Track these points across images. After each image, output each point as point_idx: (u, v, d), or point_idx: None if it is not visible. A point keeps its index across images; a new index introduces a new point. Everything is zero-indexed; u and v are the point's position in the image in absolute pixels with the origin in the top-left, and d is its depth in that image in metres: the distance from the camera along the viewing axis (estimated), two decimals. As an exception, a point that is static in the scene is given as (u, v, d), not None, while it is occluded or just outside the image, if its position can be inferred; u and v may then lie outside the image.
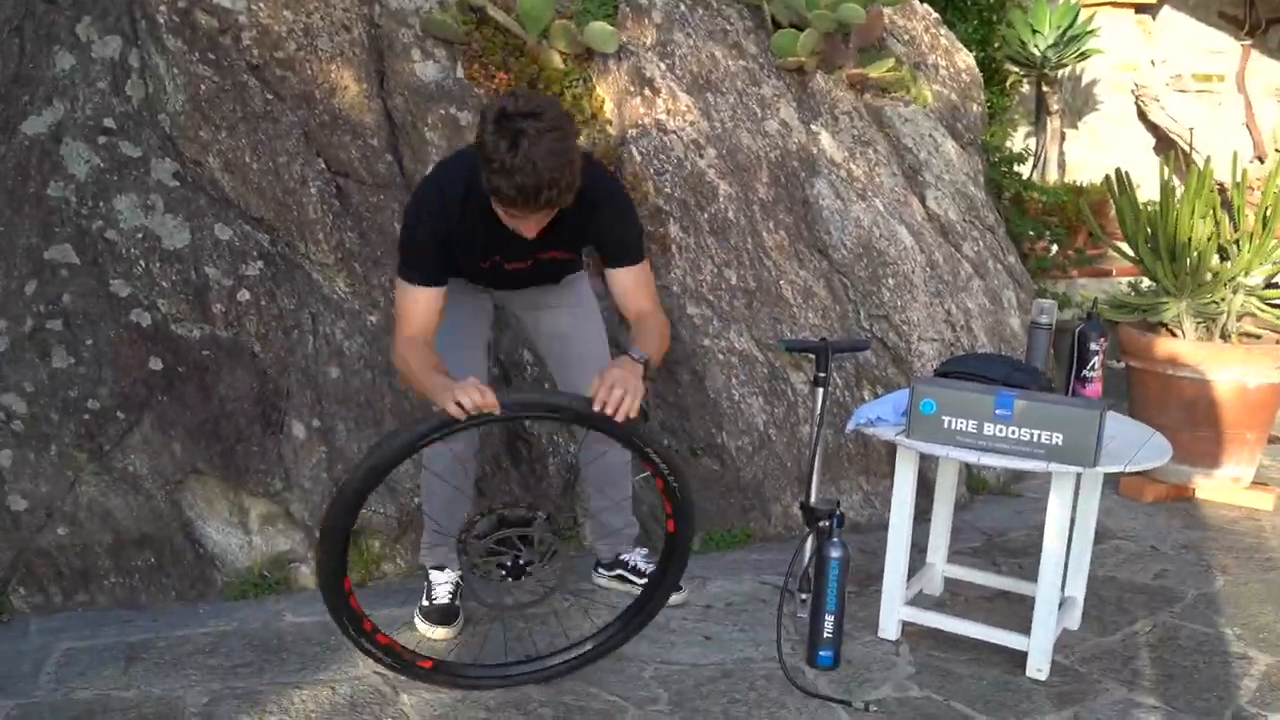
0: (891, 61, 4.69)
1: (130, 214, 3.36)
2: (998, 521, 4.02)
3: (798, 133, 4.32)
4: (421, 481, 3.10)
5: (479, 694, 2.70)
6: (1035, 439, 2.69)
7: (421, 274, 2.65)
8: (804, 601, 3.09)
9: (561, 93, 4.00)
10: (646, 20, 4.18)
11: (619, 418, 2.45)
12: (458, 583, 3.09)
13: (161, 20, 3.49)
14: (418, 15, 3.87)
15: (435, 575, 3.10)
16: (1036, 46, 6.94)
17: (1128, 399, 4.38)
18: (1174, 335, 4.24)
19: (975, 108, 5.12)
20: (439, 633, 2.99)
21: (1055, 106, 7.37)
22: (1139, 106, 8.06)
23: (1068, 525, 2.79)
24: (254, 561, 3.32)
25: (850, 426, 3.01)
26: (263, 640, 2.99)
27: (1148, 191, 4.86)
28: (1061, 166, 7.44)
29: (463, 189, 2.57)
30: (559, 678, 2.77)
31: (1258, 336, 4.26)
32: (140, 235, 3.35)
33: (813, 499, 3.09)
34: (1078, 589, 3.16)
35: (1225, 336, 4.20)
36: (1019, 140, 7.65)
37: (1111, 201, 4.54)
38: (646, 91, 4.02)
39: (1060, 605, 2.91)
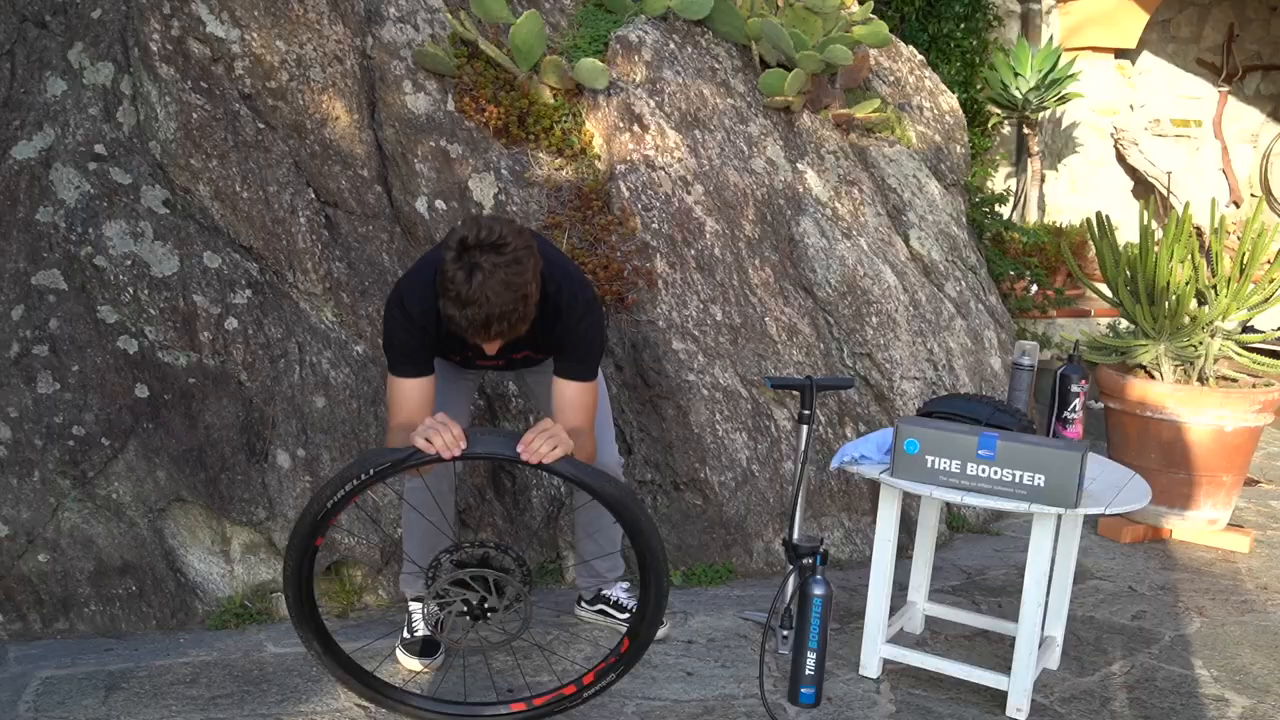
0: (877, 102, 4.76)
1: (119, 240, 3.37)
2: (977, 560, 4.04)
3: (784, 171, 4.37)
4: (402, 514, 3.10)
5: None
6: (1017, 479, 2.72)
7: (406, 367, 2.68)
8: (786, 638, 3.10)
9: (551, 127, 4.04)
10: (636, 57, 4.22)
11: (532, 461, 2.45)
12: (438, 615, 3.09)
13: (154, 48, 3.51)
14: (410, 48, 3.90)
15: (414, 606, 3.11)
16: (1018, 89, 7.05)
17: (1106, 440, 4.43)
18: (1152, 377, 4.29)
19: (959, 149, 5.18)
20: (417, 664, 2.99)
21: (1036, 148, 7.47)
22: (1118, 149, 8.18)
23: (1049, 566, 2.81)
24: (236, 591, 3.31)
25: (835, 464, 3.03)
26: (244, 671, 2.97)
27: (1126, 233, 4.93)
28: (1041, 207, 7.53)
29: (425, 304, 2.59)
30: None
31: (1234, 380, 4.32)
32: (129, 262, 3.36)
33: (796, 536, 3.10)
34: (1057, 629, 3.19)
35: (1203, 380, 4.25)
36: (1000, 181, 7.76)
37: (1091, 242, 4.59)
38: (635, 128, 4.06)
39: (1040, 645, 2.93)
